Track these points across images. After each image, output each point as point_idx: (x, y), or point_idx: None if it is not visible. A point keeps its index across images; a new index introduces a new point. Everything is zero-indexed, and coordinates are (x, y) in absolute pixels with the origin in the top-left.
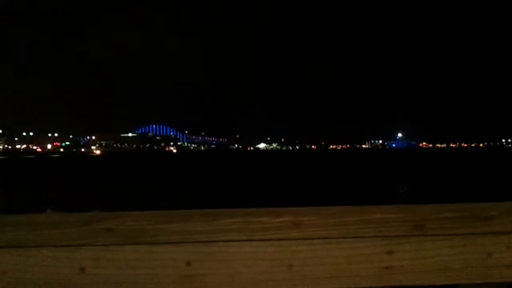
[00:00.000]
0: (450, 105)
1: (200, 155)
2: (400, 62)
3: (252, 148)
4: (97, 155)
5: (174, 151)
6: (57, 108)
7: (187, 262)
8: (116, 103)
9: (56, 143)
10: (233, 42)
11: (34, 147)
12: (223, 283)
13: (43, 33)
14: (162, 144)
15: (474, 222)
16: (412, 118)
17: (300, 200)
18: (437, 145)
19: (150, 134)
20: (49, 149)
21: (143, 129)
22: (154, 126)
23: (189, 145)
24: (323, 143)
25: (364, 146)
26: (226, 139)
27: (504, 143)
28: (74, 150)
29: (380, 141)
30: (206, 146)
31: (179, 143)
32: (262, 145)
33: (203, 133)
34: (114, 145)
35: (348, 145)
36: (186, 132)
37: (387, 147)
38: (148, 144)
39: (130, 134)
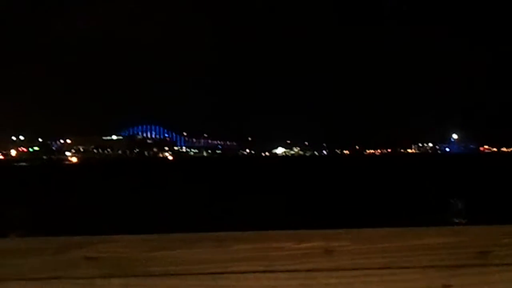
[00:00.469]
0: None
1: (202, 162)
2: (458, 48)
3: (267, 153)
4: (74, 163)
5: (170, 157)
6: (23, 104)
7: None
8: (97, 98)
9: (22, 148)
10: (245, 25)
11: None
12: None
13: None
14: (155, 149)
15: None
16: (470, 116)
17: (330, 220)
18: (502, 149)
19: (139, 136)
20: (13, 156)
21: (130, 130)
22: (144, 126)
23: (188, 150)
24: (358, 147)
25: (410, 150)
26: (234, 143)
27: None
28: (44, 157)
29: (431, 144)
30: (209, 151)
31: (176, 148)
32: (280, 150)
33: (205, 135)
34: (95, 150)
35: (389, 150)
36: (185, 134)
37: (439, 151)
38: (137, 149)
39: (114, 137)
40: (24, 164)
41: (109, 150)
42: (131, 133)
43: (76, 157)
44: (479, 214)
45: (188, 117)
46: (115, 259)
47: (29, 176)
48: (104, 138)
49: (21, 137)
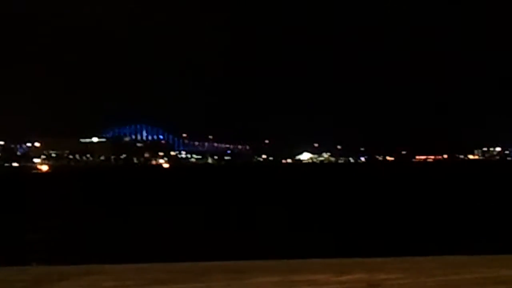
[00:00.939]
0: None
1: (206, 171)
2: None
3: (290, 160)
4: (43, 173)
5: (165, 165)
6: None
7: None
8: (73, 92)
9: None
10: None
11: None
12: None
13: None
14: (146, 155)
15: None
16: None
17: (374, 246)
18: None
19: (127, 138)
20: None
21: (116, 131)
22: (133, 126)
23: (189, 155)
24: (404, 152)
25: (471, 156)
26: (248, 147)
27: None
28: (6, 164)
29: (499, 149)
30: (216, 157)
31: (173, 153)
32: (306, 156)
33: (210, 137)
34: (70, 156)
35: (445, 156)
36: (185, 135)
37: (509, 158)
38: (124, 155)
39: (95, 139)
40: None
41: (88, 155)
42: (116, 134)
43: (47, 164)
44: None
45: (188, 115)
46: None
47: None
48: (83, 140)
49: None
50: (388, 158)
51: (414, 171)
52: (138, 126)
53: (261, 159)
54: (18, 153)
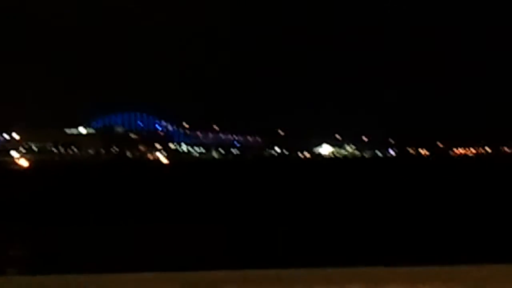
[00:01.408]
0: None
1: (211, 167)
2: None
3: (307, 154)
4: (23, 169)
5: (164, 160)
6: None
7: None
8: (56, 75)
9: None
10: None
11: None
12: None
13: None
14: (141, 148)
15: None
16: None
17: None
18: None
19: (119, 129)
20: None
21: (106, 120)
22: (126, 115)
23: (190, 148)
24: (441, 144)
25: None
26: (259, 138)
27: None
28: None
29: None
30: (222, 150)
31: (172, 146)
32: (326, 149)
33: (216, 127)
34: (54, 149)
35: (489, 149)
36: (186, 125)
37: None
38: (115, 148)
39: (82, 130)
40: None
41: (74, 149)
42: (107, 124)
43: (27, 159)
44: None
45: (190, 102)
46: None
47: None
48: (68, 131)
49: None
50: (421, 151)
51: (456, 167)
52: (132, 115)
53: (275, 153)
54: None
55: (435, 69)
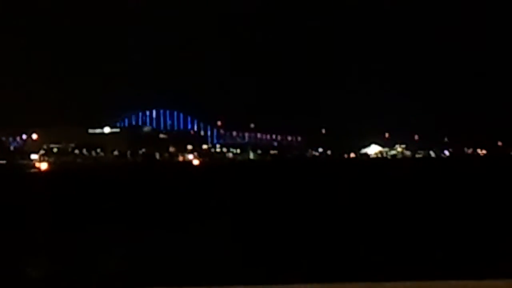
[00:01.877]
0: None
1: (248, 169)
2: None
3: (353, 154)
4: (42, 172)
5: (195, 161)
6: None
7: None
8: (79, 72)
9: None
10: None
11: None
12: None
13: None
14: (172, 149)
15: None
16: None
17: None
18: None
19: (146, 128)
20: None
21: (132, 119)
22: (154, 113)
23: (225, 149)
24: (500, 143)
25: None
26: (300, 138)
27: None
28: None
29: None
30: (259, 151)
31: (205, 146)
32: (374, 149)
33: (252, 126)
34: (76, 151)
35: None
36: (219, 124)
37: None
38: (143, 149)
39: (107, 130)
40: None
41: (99, 150)
42: (133, 123)
43: (47, 160)
44: None
45: (225, 99)
46: None
47: None
48: (91, 131)
49: None
50: (479, 151)
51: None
52: (162, 113)
53: (317, 153)
54: (11, 148)
55: (493, 67)
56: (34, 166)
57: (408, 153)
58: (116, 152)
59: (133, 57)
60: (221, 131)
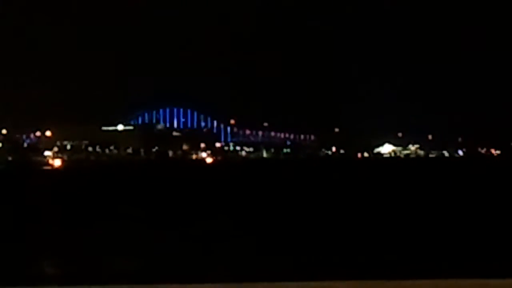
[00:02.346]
0: None
1: (261, 168)
2: None
3: (366, 154)
4: (55, 169)
5: (208, 159)
6: None
7: None
8: (92, 68)
9: None
10: None
11: None
12: None
13: None
14: (184, 147)
15: None
16: None
17: None
18: None
19: (160, 126)
20: None
21: (146, 116)
22: (168, 111)
23: (238, 147)
24: None
25: None
26: (313, 137)
27: None
28: (9, 158)
29: None
30: (272, 150)
31: (218, 144)
32: (387, 148)
33: (266, 124)
34: (90, 148)
35: None
36: (233, 122)
37: None
38: (156, 147)
39: (120, 127)
40: None
41: (112, 147)
42: (146, 120)
43: (60, 158)
44: None
45: (238, 97)
46: None
47: None
48: (105, 129)
49: None
50: (493, 151)
51: None
52: (175, 111)
53: (330, 153)
54: (25, 145)
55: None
56: (47, 163)
57: (421, 152)
58: (129, 150)
59: (147, 55)
60: (235, 129)
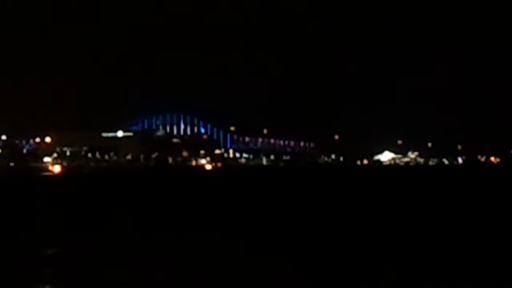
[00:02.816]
0: None
1: (261, 175)
2: None
3: (366, 161)
4: (55, 175)
5: (208, 166)
6: None
7: None
8: (92, 75)
9: None
10: None
11: None
12: None
13: None
14: (184, 154)
15: None
16: None
17: None
18: None
19: (159, 132)
20: None
21: (146, 123)
22: (168, 117)
23: (238, 154)
24: None
25: None
26: (312, 144)
27: None
28: (11, 164)
29: None
30: (272, 157)
31: (218, 151)
32: (387, 156)
33: (265, 132)
34: (89, 155)
35: None
36: (232, 129)
37: None
38: (156, 153)
39: (120, 134)
40: None
41: (112, 154)
42: (146, 127)
43: (60, 164)
44: None
45: (238, 104)
46: None
47: None
48: (105, 135)
49: None
50: (492, 159)
51: None
52: (175, 117)
53: (330, 160)
54: (24, 150)
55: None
56: (47, 169)
57: (421, 160)
58: (129, 156)
59: (147, 61)
60: (234, 136)
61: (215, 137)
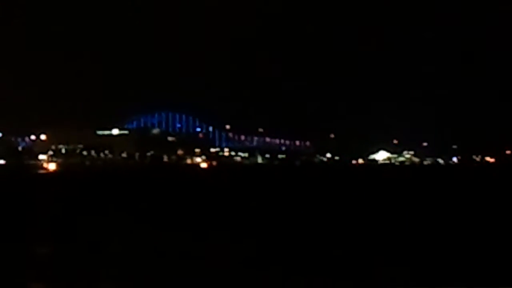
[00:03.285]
0: None
1: (256, 174)
2: None
3: (361, 160)
4: (50, 173)
5: (203, 164)
6: None
7: None
8: (88, 73)
9: None
10: None
11: None
12: None
13: None
14: (179, 152)
15: None
16: None
17: None
18: None
19: (155, 130)
20: None
21: (141, 121)
22: (163, 115)
23: (233, 153)
24: (508, 151)
25: None
26: (308, 143)
27: None
28: (3, 161)
29: None
30: (267, 155)
31: (213, 150)
32: (382, 155)
33: (261, 130)
34: (84, 152)
35: None
36: (228, 127)
37: None
38: (151, 151)
39: (115, 131)
40: None
41: (107, 152)
42: (142, 125)
43: (55, 161)
44: None
45: (234, 103)
46: None
47: None
48: (100, 133)
49: None
50: (488, 159)
51: None
52: (170, 116)
53: (325, 159)
54: (20, 148)
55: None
56: (42, 167)
57: (416, 159)
58: (124, 154)
59: (142, 59)
60: (230, 134)
61: (210, 135)
